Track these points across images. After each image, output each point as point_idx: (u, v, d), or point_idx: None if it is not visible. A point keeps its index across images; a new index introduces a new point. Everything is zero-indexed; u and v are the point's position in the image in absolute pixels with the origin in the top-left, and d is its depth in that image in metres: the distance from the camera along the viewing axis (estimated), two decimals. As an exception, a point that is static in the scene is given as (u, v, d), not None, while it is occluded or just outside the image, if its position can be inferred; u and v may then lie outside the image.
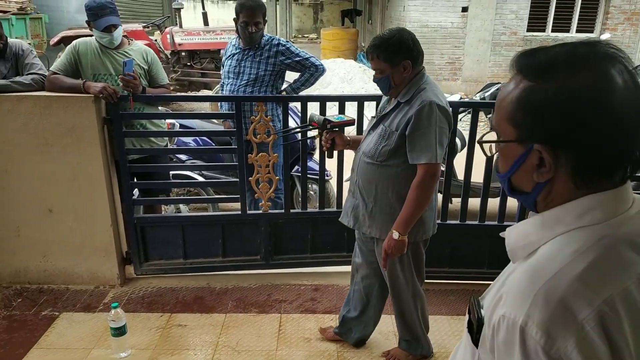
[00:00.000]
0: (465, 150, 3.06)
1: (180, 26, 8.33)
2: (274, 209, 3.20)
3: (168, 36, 7.99)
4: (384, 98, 2.22)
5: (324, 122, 2.22)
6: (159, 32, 8.77)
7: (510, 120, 0.79)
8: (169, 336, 2.69)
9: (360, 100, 3.04)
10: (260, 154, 3.00)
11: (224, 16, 22.81)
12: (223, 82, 3.37)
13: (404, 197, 2.06)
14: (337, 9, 24.81)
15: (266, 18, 3.20)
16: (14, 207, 2.94)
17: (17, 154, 2.82)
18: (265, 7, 3.20)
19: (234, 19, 3.16)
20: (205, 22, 8.63)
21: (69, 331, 2.72)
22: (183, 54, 8.14)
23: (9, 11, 8.04)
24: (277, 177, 3.09)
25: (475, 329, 0.83)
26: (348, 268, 3.27)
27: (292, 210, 3.19)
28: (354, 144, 2.31)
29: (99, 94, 2.71)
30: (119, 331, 2.47)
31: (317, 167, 3.75)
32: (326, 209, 3.21)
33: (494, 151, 0.86)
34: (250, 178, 3.06)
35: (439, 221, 2.49)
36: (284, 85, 3.38)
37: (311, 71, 3.26)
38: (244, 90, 3.22)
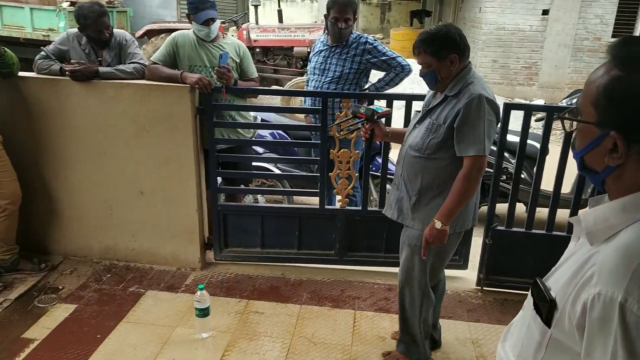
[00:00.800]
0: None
1: (257, 23, 8.53)
2: (350, 205, 3.22)
3: (244, 32, 8.21)
4: (429, 93, 2.22)
5: (372, 113, 2.22)
6: (234, 28, 9.02)
7: (593, 103, 0.83)
8: (247, 321, 2.77)
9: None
10: (341, 150, 3.02)
11: (298, 14, 23.17)
12: (308, 78, 3.42)
13: (448, 190, 2.06)
14: (405, 9, 24.49)
15: (357, 16, 3.22)
16: (109, 188, 3.13)
17: (116, 138, 3.00)
18: (357, 5, 3.22)
19: (325, 15, 3.20)
20: (280, 19, 8.79)
21: (154, 308, 2.87)
22: (257, 50, 8.33)
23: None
24: (356, 174, 3.11)
25: (546, 310, 0.86)
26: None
27: (369, 208, 3.19)
28: (392, 136, 2.33)
29: (194, 85, 2.83)
30: (203, 312, 2.58)
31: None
32: (404, 209, 3.18)
33: (573, 127, 0.91)
34: (330, 173, 3.10)
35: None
36: (367, 85, 3.39)
37: (397, 71, 3.24)
38: (327, 87, 3.25)
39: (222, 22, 8.67)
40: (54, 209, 3.22)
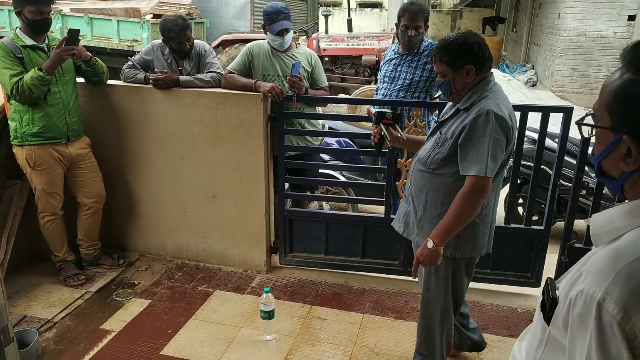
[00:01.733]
0: None
1: (326, 32, 8.65)
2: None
3: (314, 41, 8.35)
4: (448, 104, 2.12)
5: (397, 116, 2.14)
6: (304, 37, 9.20)
7: (607, 108, 0.82)
8: (309, 327, 2.80)
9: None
10: (409, 159, 2.99)
11: (367, 23, 23.27)
12: (378, 86, 3.43)
13: None
14: (477, 17, 23.88)
15: (428, 23, 3.19)
16: (184, 191, 3.28)
17: (192, 143, 3.16)
18: (428, 12, 3.19)
19: (396, 24, 3.20)
20: (350, 29, 8.86)
21: (221, 308, 2.97)
22: (326, 59, 8.44)
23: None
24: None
25: (548, 308, 0.87)
26: (490, 286, 3.16)
27: (436, 219, 3.13)
28: (407, 142, 2.20)
29: (267, 93, 2.92)
30: (268, 315, 2.63)
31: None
32: (473, 222, 3.09)
33: (592, 133, 0.88)
34: (397, 182, 3.08)
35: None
36: (438, 93, 3.34)
37: (469, 79, 3.16)
38: (397, 95, 3.24)
39: (293, 32, 8.89)
40: (134, 209, 3.43)
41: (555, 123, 2.99)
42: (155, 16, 8.60)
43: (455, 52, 1.89)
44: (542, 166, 3.02)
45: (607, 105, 0.82)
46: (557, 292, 0.87)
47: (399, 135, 2.16)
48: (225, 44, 8.58)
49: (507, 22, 16.82)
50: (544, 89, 10.20)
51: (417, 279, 2.24)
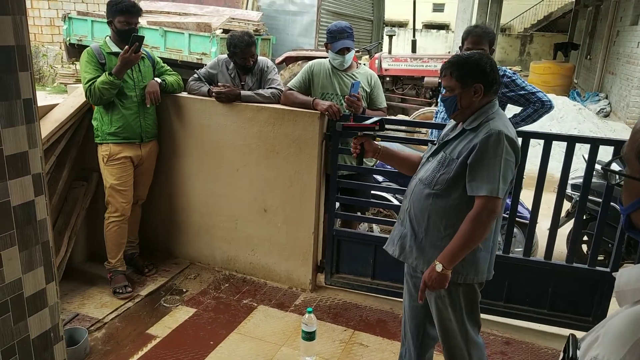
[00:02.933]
0: None
1: (390, 52, 8.62)
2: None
3: (377, 61, 8.34)
4: (448, 126, 2.09)
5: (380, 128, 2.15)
6: (367, 56, 9.22)
7: (638, 157, 0.75)
8: (350, 352, 2.73)
9: (594, 142, 2.71)
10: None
11: (432, 44, 23.09)
12: (437, 110, 3.35)
13: (457, 231, 1.88)
14: (548, 42, 23.09)
15: (494, 47, 3.08)
16: (237, 203, 3.33)
17: (249, 157, 3.20)
18: (494, 35, 3.09)
19: (460, 47, 3.12)
20: (414, 49, 8.79)
21: (264, 323, 2.96)
22: (388, 78, 8.40)
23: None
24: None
25: None
26: (547, 327, 2.96)
27: (491, 252, 2.98)
28: (384, 155, 2.20)
29: (324, 111, 2.92)
30: (310, 336, 2.59)
31: (524, 209, 3.48)
32: (532, 258, 2.92)
33: (618, 180, 0.81)
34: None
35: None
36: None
37: (536, 106, 3.03)
38: (457, 120, 3.14)
39: (356, 52, 8.93)
40: (187, 216, 3.51)
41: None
42: (225, 31, 8.92)
43: (468, 69, 1.89)
44: (611, 203, 2.82)
45: (639, 154, 0.76)
46: (579, 352, 0.82)
47: (379, 147, 2.19)
48: (289, 60, 8.75)
49: (580, 48, 16.13)
50: (618, 120, 9.63)
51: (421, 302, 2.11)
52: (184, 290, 3.30)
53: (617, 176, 0.82)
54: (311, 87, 3.13)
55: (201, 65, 8.82)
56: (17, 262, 1.58)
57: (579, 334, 0.92)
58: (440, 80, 7.91)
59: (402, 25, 25.88)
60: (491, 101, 1.94)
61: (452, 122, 2.09)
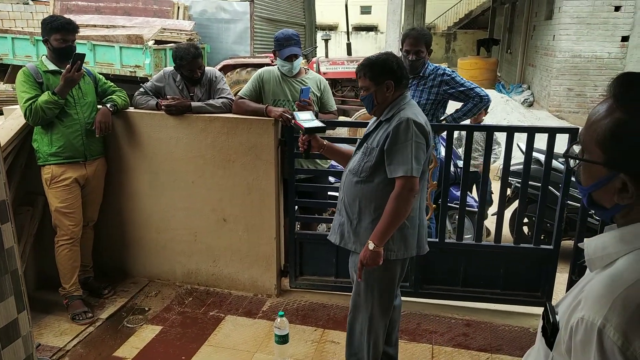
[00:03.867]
0: None
1: (327, 56, 8.78)
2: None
3: (314, 65, 8.48)
4: (371, 120, 2.30)
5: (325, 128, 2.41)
6: (304, 61, 9.33)
7: (599, 145, 0.85)
8: (323, 350, 2.79)
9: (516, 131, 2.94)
10: (434, 182, 3.03)
11: (362, 46, 23.57)
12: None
13: None
14: (470, 39, 24.29)
15: (431, 48, 3.26)
16: (195, 215, 3.30)
17: (204, 168, 3.19)
18: (430, 37, 3.27)
19: (400, 49, 3.28)
20: (349, 52, 9.00)
21: (234, 333, 2.96)
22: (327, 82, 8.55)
23: (181, 42, 9.20)
24: (433, 205, 3.09)
25: (549, 334, 0.90)
26: (501, 307, 3.17)
27: (446, 240, 3.16)
28: (328, 151, 2.40)
29: (278, 118, 2.97)
30: (283, 339, 2.63)
31: (471, 199, 3.69)
32: (484, 242, 3.12)
33: (577, 164, 0.92)
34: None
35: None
36: (444, 115, 3.40)
37: (475, 101, 3.24)
38: (404, 118, 3.29)
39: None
40: (143, 233, 3.43)
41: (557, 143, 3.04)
42: (157, 42, 8.72)
43: (377, 68, 2.11)
44: (549, 187, 3.06)
45: (600, 142, 0.85)
46: (557, 318, 0.90)
47: (324, 143, 2.39)
48: (226, 68, 8.69)
49: (501, 43, 17.13)
50: (541, 109, 10.34)
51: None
52: (147, 308, 3.22)
53: (575, 160, 0.92)
54: (262, 95, 3.16)
55: (135, 79, 8.59)
56: (-14, 294, 1.52)
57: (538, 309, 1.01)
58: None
59: (332, 28, 26.28)
60: (402, 94, 2.17)
61: (373, 119, 2.29)
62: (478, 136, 4.17)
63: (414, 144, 2.05)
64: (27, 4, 11.81)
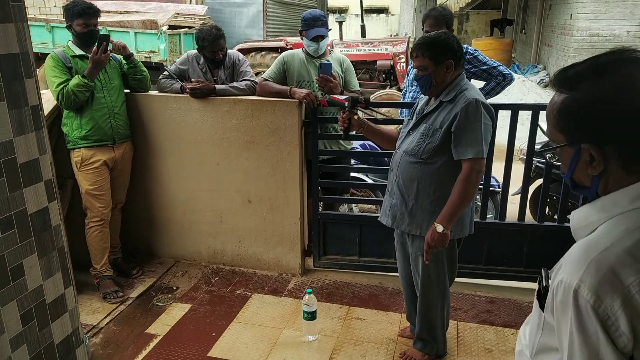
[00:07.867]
0: None
1: (341, 38, 8.74)
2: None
3: (329, 47, 8.43)
4: (422, 101, 2.27)
5: (368, 102, 2.43)
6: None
7: (557, 128, 0.93)
8: (349, 327, 2.85)
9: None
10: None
11: (373, 28, 23.35)
12: (405, 90, 3.49)
13: (445, 194, 2.10)
14: (483, 19, 23.90)
15: (453, 28, 3.24)
16: (220, 196, 3.36)
17: (229, 150, 3.23)
18: (452, 17, 3.25)
19: (422, 29, 3.27)
20: (363, 34, 8.94)
21: (261, 310, 3.03)
22: (341, 64, 8.51)
23: (194, 27, 9.19)
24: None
25: (543, 296, 0.97)
26: (524, 284, 3.19)
27: (469, 219, 3.17)
28: (367, 129, 2.38)
29: (302, 99, 2.99)
30: (311, 315, 2.69)
31: (492, 179, 3.70)
32: (507, 221, 3.14)
33: (555, 157, 1.02)
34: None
35: None
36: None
37: (498, 80, 3.22)
38: (425, 97, 3.29)
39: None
40: (170, 215, 3.50)
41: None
42: (172, 27, 8.73)
43: (438, 47, 2.07)
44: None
45: (557, 126, 0.93)
46: (550, 281, 0.96)
47: (364, 122, 2.37)
48: (241, 52, 8.65)
49: (515, 24, 16.85)
50: (558, 89, 10.21)
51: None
52: (175, 287, 3.30)
53: (552, 155, 1.02)
54: (287, 76, 3.18)
55: (151, 64, 8.62)
56: (37, 270, 1.58)
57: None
58: (392, 63, 8.08)
59: (342, 11, 26.01)
60: (461, 74, 2.13)
61: (424, 99, 2.27)
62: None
63: (484, 126, 2.03)
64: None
